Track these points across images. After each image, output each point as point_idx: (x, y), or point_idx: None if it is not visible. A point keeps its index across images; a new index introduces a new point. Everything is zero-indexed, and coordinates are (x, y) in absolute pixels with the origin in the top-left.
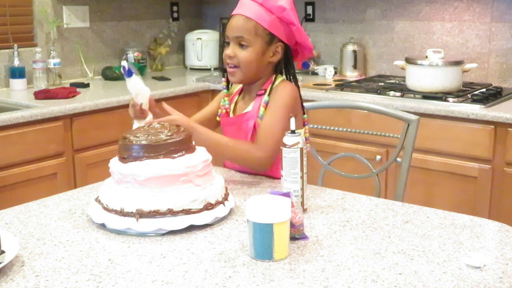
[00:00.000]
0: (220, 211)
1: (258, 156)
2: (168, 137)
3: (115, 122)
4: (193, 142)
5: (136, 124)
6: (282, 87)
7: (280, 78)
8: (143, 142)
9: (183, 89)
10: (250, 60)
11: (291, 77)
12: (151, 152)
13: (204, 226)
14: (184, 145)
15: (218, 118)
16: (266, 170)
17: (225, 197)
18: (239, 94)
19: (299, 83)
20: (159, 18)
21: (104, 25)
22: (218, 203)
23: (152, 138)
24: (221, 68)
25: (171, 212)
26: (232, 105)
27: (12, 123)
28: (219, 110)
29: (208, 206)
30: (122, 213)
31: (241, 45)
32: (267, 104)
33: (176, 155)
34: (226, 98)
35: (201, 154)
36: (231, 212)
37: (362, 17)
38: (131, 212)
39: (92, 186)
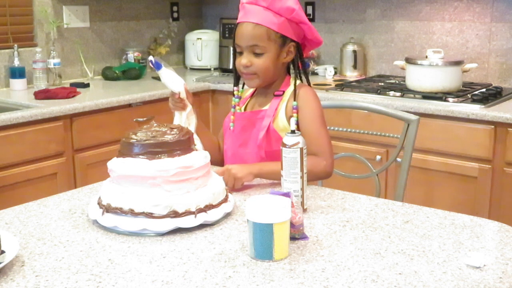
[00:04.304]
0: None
1: (324, 165)
2: (172, 136)
3: (115, 122)
4: (196, 146)
5: (177, 116)
6: (307, 93)
7: (292, 78)
8: (132, 140)
9: None
10: (267, 66)
11: (302, 73)
12: (152, 149)
13: (204, 226)
14: (183, 145)
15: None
16: (331, 175)
17: (225, 198)
18: (252, 96)
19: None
20: (159, 18)
21: (104, 25)
22: (200, 210)
23: (150, 136)
24: (235, 77)
25: (132, 213)
26: (243, 106)
27: (12, 123)
28: (232, 109)
29: (172, 214)
30: (108, 209)
31: (255, 53)
32: (296, 109)
33: (159, 155)
34: (235, 93)
35: (196, 157)
36: (231, 212)
37: (362, 17)
38: (115, 208)
39: (92, 186)
